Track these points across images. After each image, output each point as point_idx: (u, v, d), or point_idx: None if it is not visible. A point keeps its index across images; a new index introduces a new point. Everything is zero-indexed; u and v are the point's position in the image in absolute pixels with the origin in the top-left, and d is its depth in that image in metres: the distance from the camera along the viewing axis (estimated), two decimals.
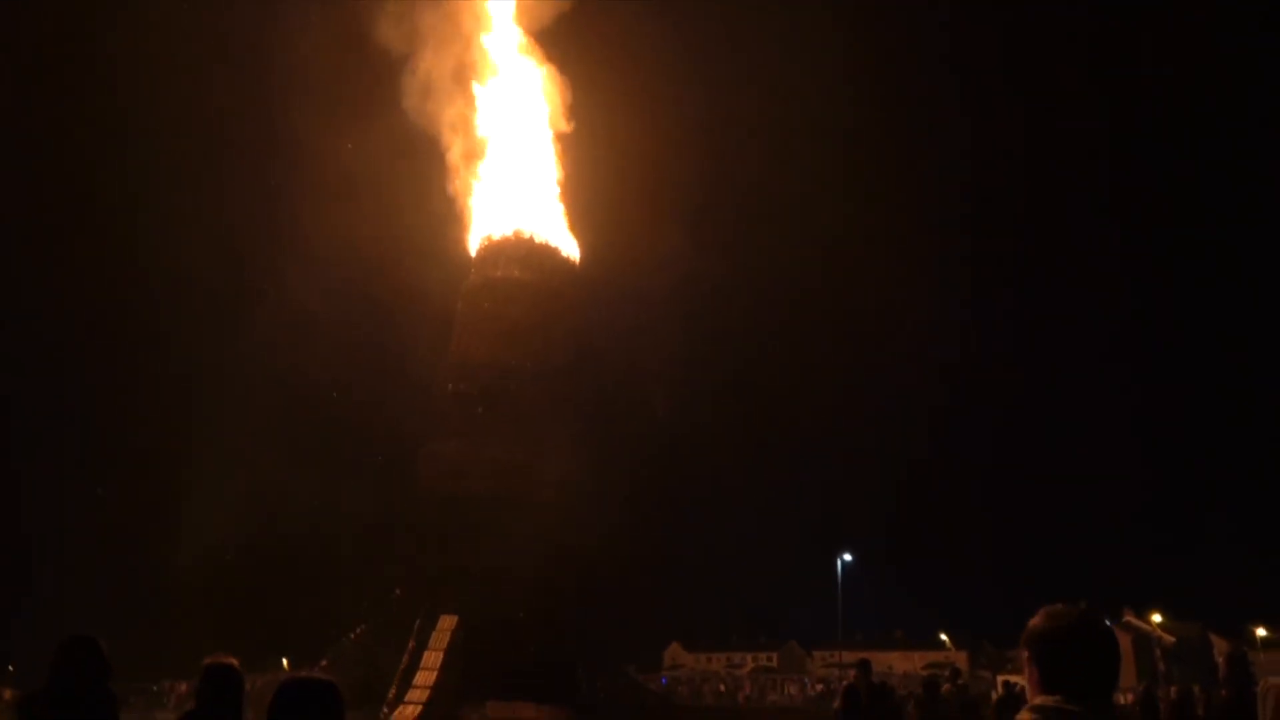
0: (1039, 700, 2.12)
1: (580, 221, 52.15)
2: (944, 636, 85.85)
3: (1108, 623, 2.17)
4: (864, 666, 10.12)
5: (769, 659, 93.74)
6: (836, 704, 9.69)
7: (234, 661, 4.27)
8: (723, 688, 67.08)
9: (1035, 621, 2.20)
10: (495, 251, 48.57)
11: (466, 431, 44.07)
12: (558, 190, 51.76)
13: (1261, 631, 62.34)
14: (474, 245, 50.10)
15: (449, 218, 51.37)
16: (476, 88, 50.96)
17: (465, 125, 50.91)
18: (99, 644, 4.36)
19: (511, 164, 50.64)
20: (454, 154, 50.82)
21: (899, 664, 74.31)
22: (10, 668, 60.32)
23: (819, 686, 63.50)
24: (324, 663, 39.87)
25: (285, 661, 59.23)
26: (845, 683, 9.59)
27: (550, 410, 44.76)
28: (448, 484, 43.13)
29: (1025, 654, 2.20)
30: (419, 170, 52.90)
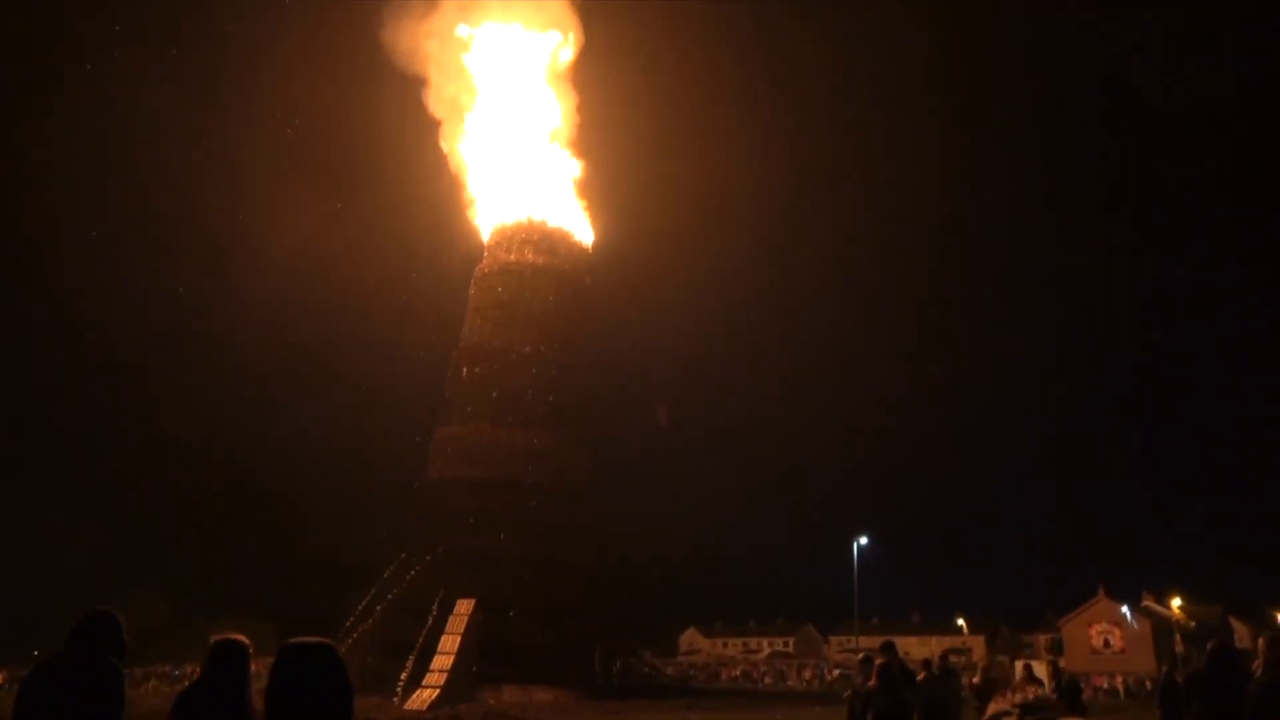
0: None
1: (596, 207, 52.17)
2: (960, 621, 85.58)
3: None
4: (889, 649, 10.19)
5: (785, 644, 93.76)
6: (871, 682, 9.78)
7: (242, 638, 4.19)
8: (739, 672, 67.14)
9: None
10: (508, 236, 48.45)
11: (480, 416, 44.07)
12: (573, 176, 51.68)
13: None
14: (486, 230, 50.05)
15: (462, 203, 51.45)
16: (495, 73, 50.81)
17: (481, 110, 50.83)
18: (116, 619, 4.30)
19: (527, 149, 50.50)
20: (468, 139, 50.76)
21: (915, 649, 74.24)
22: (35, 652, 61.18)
23: (835, 672, 63.45)
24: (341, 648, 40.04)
25: None
26: (879, 661, 9.68)
27: (565, 395, 44.72)
28: (461, 468, 43.19)
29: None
30: (432, 155, 52.90)
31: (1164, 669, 25.16)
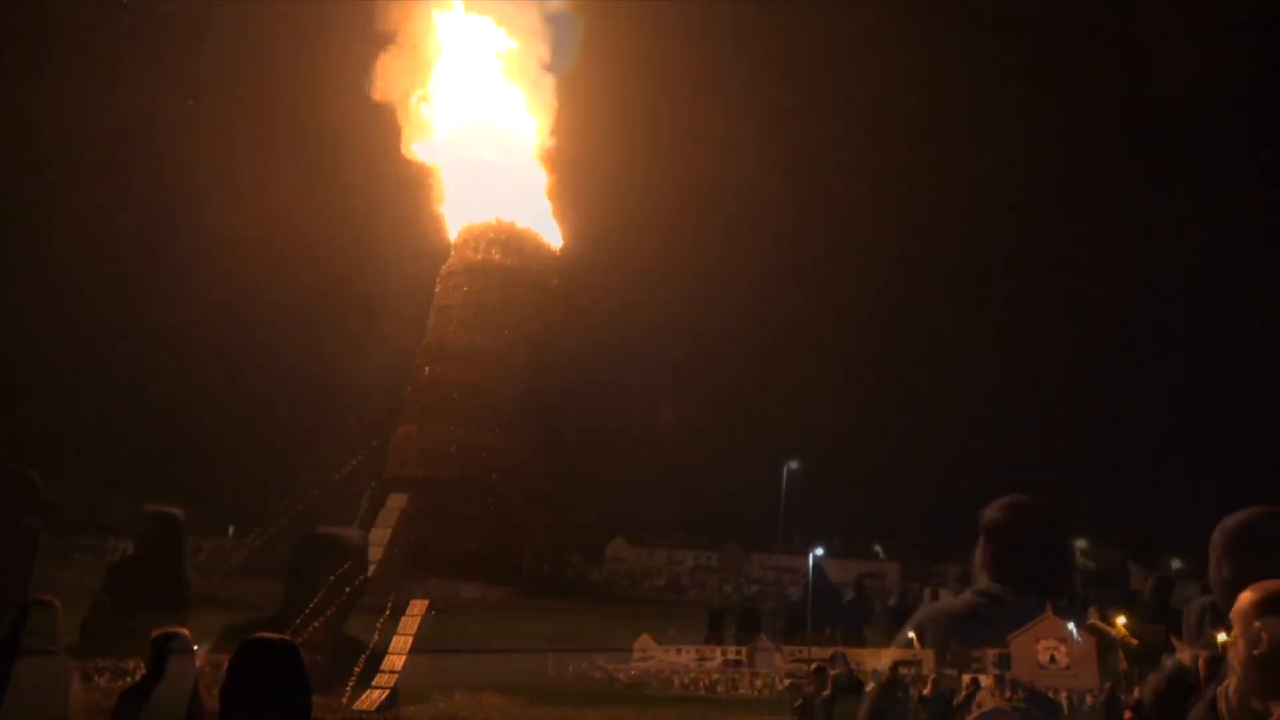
0: (984, 585, 2.09)
1: (567, 210, 51.59)
2: (878, 548, 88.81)
3: (1057, 509, 2.11)
4: (841, 660, 10.51)
5: (709, 558, 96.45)
6: (826, 692, 10.06)
7: (177, 510, 4.19)
8: (664, 582, 69.19)
9: (993, 513, 2.16)
10: (475, 236, 47.79)
11: (440, 416, 44.03)
12: (545, 179, 51.08)
13: (1177, 563, 65.32)
14: (454, 230, 49.27)
15: (430, 201, 50.42)
16: (464, 71, 49.38)
17: (454, 110, 49.53)
18: (30, 479, 4.22)
19: (500, 151, 49.55)
20: (439, 137, 49.43)
21: (834, 571, 77.06)
22: None
23: (753, 588, 65.76)
24: (270, 532, 40.16)
25: (231, 529, 59.66)
26: (834, 671, 9.96)
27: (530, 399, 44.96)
28: (421, 466, 43.23)
29: (980, 540, 2.15)
30: (397, 154, 51.37)
31: (1107, 685, 26.55)
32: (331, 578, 16.80)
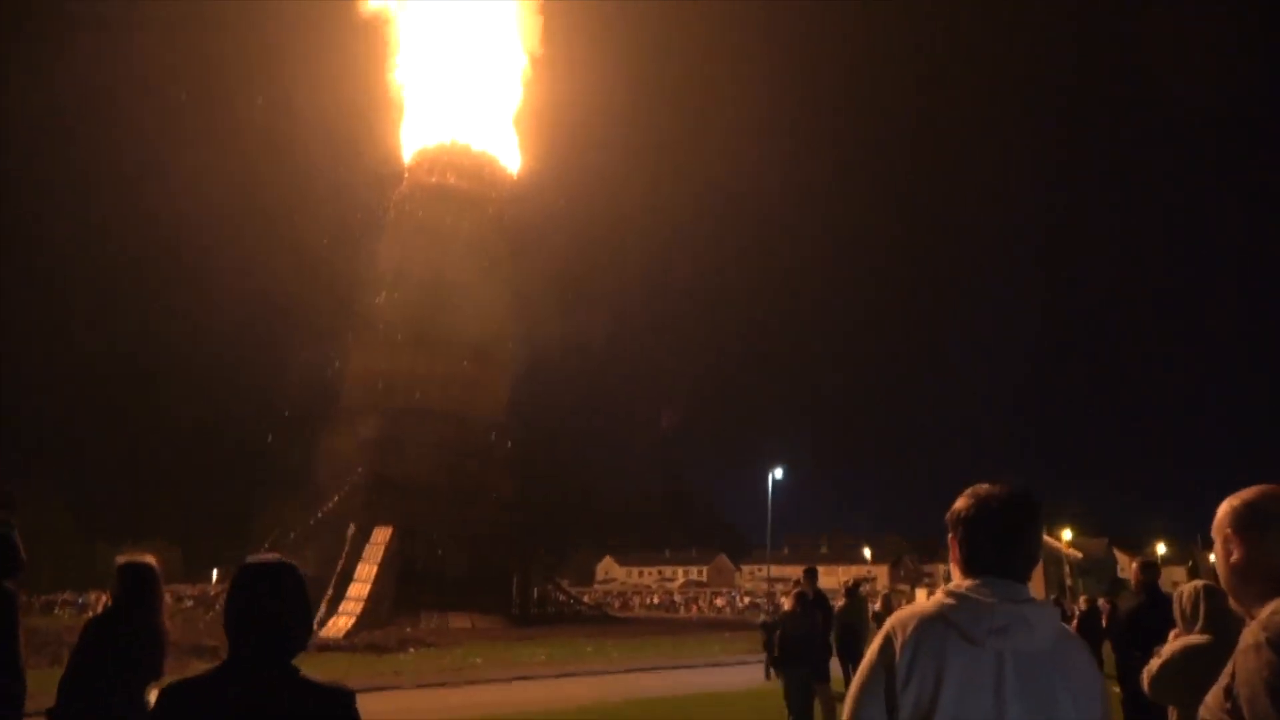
0: (956, 585, 2.05)
1: (524, 134, 50.67)
2: (866, 551, 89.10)
3: (1030, 493, 2.10)
4: (811, 575, 10.75)
5: (699, 573, 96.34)
6: (788, 606, 10.42)
7: (150, 559, 4.08)
8: (655, 600, 68.87)
9: (960, 501, 2.13)
10: (429, 158, 47.03)
11: (397, 343, 43.31)
12: (503, 102, 49.97)
13: (1162, 549, 66.00)
14: (408, 152, 48.47)
15: (382, 119, 49.52)
16: None
17: (407, 22, 48.55)
18: (7, 538, 4.08)
19: (456, 68, 48.48)
20: (392, 51, 48.52)
21: (824, 579, 77.11)
22: None
23: (746, 599, 65.58)
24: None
25: (215, 574, 58.91)
26: (796, 589, 10.20)
27: (485, 325, 44.13)
28: (378, 396, 42.57)
29: (950, 535, 2.13)
30: (351, 61, 50.54)
31: (1052, 598, 26.69)
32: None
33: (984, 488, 2.07)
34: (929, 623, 1.95)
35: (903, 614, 2.00)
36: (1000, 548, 2.02)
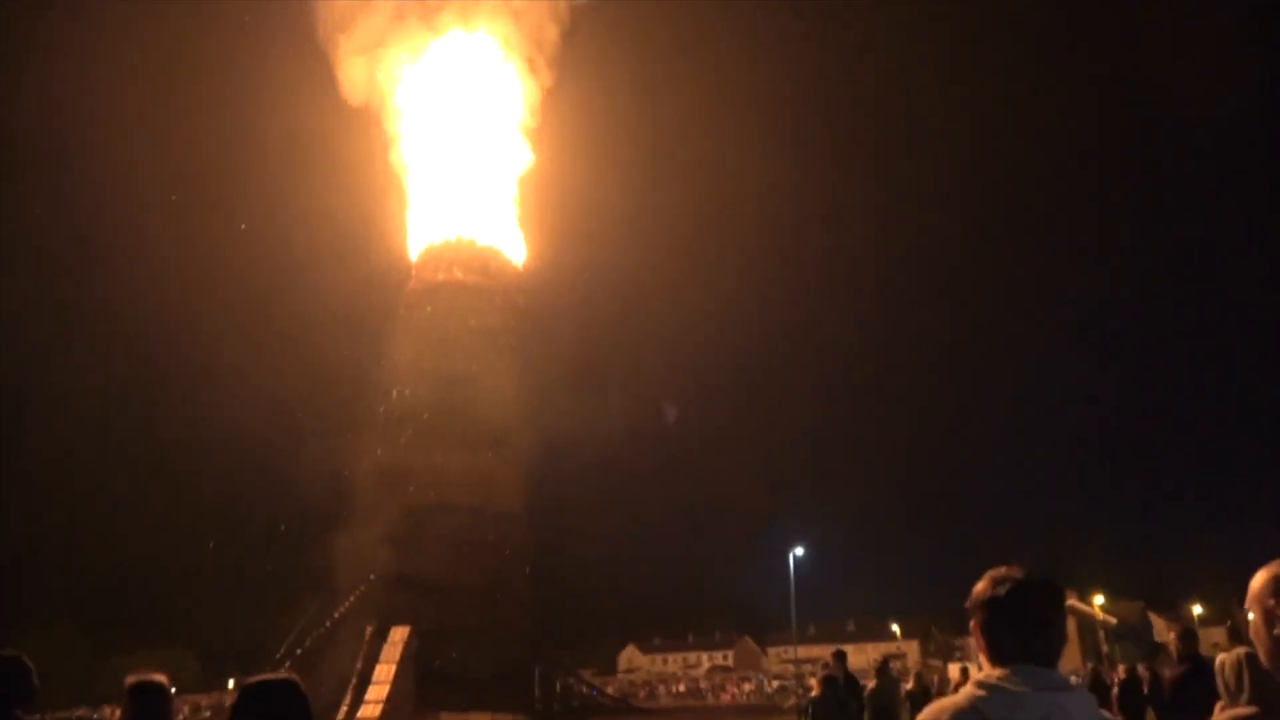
0: (986, 676, 1.98)
1: (528, 225, 51.52)
2: (895, 627, 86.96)
3: (1053, 582, 2.05)
4: (840, 657, 10.43)
5: (724, 657, 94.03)
6: (816, 691, 10.02)
7: (160, 678, 3.98)
8: (682, 688, 67.12)
9: (980, 587, 2.07)
10: (436, 255, 47.80)
11: (412, 439, 43.33)
12: (504, 193, 50.95)
13: (1198, 609, 64.30)
14: (415, 250, 49.29)
15: (389, 221, 50.48)
16: (425, 82, 49.72)
17: (408, 123, 49.76)
18: (22, 663, 3.99)
19: (458, 162, 49.57)
20: (394, 148, 49.63)
21: (853, 657, 75.17)
22: None
23: (775, 683, 63.87)
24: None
25: (230, 683, 57.80)
26: (825, 673, 9.85)
27: (500, 412, 44.21)
28: (393, 493, 42.39)
29: (972, 622, 2.07)
30: (353, 161, 51.60)
31: (1090, 666, 25.92)
32: None
33: (1002, 573, 2.02)
34: (962, 717, 1.88)
35: (934, 709, 1.93)
36: (1025, 637, 1.96)
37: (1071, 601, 70.06)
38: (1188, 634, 6.92)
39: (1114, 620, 67.58)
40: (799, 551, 45.85)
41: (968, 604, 2.07)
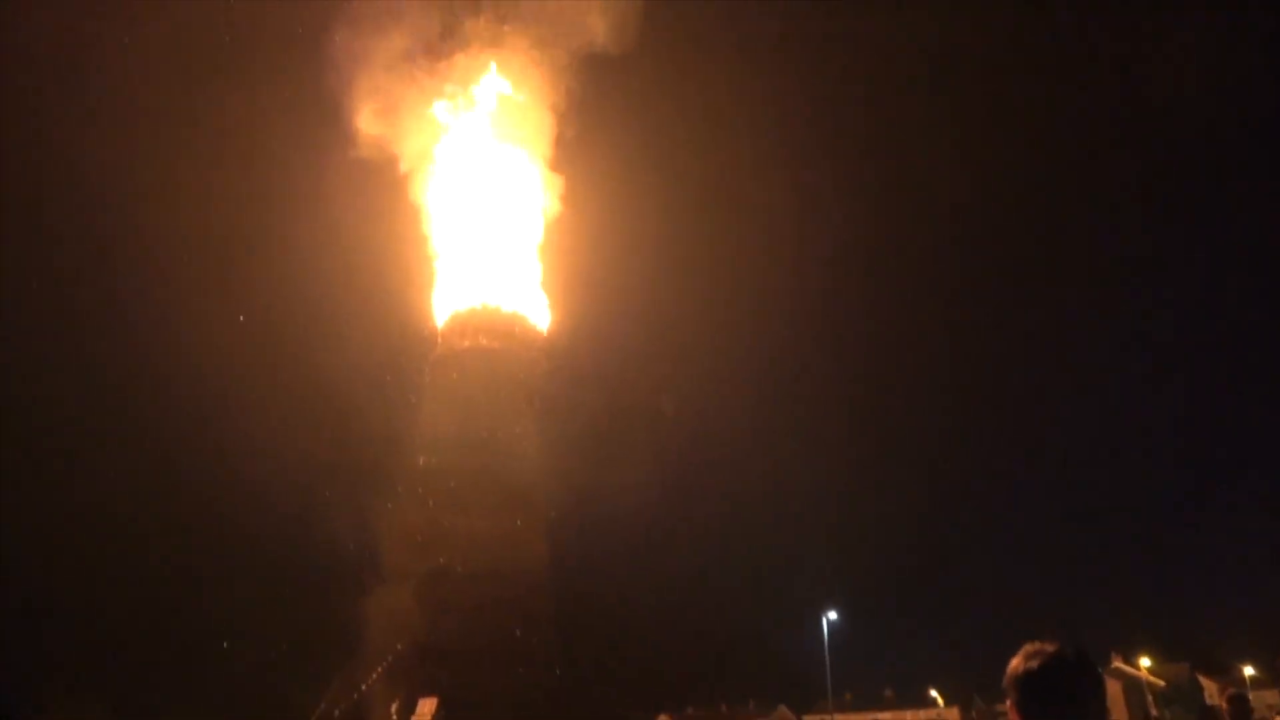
0: None
1: (551, 289, 52.02)
2: (934, 693, 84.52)
3: (1089, 658, 1.98)
4: None
5: None
6: None
7: None
8: None
9: (1014, 663, 2.00)
10: (461, 322, 48.43)
11: (437, 505, 43.32)
12: (526, 260, 51.63)
13: (1249, 670, 62.04)
14: (440, 316, 49.94)
15: (414, 291, 51.15)
16: (449, 156, 50.87)
17: (434, 193, 50.75)
18: None
19: (482, 232, 50.41)
20: (423, 220, 50.54)
21: None
22: None
23: None
24: None
25: None
26: None
27: (524, 478, 44.21)
28: (419, 557, 42.22)
29: (1007, 702, 1.99)
30: (381, 230, 52.43)
31: None
32: None
33: (1036, 648, 1.96)
34: None
35: None
36: (1059, 715, 1.88)
37: (1117, 664, 68.01)
38: (1239, 698, 6.67)
39: (1162, 683, 65.42)
40: (832, 615, 44.94)
41: (1005, 681, 2.01)
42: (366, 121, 48.51)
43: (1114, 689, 61.31)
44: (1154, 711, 55.45)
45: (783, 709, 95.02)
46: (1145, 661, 64.42)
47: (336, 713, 39.93)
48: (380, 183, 50.73)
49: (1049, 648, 1.96)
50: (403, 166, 50.07)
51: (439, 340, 49.01)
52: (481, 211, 50.29)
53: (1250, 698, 7.05)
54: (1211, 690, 59.83)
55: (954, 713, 77.80)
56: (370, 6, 50.14)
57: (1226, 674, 63.39)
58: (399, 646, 39.94)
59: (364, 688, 40.17)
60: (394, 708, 37.87)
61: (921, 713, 77.00)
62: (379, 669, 40.29)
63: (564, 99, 51.13)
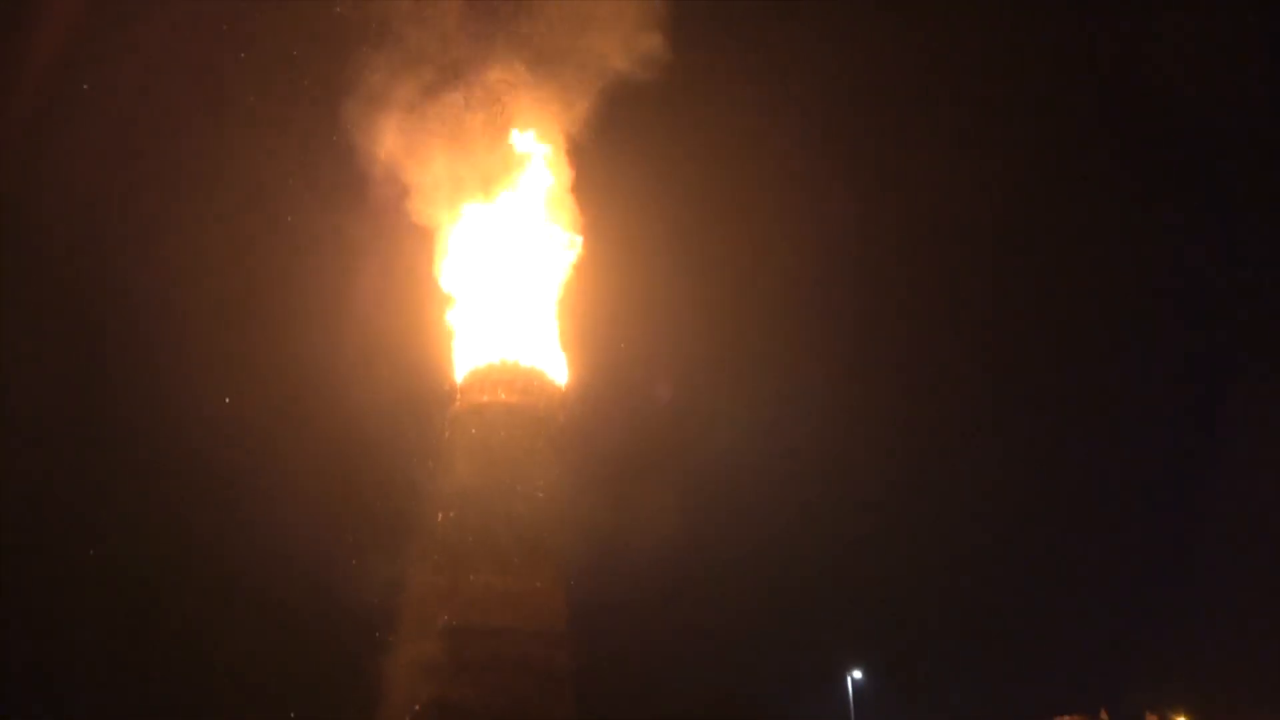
0: None
1: (569, 343, 52.24)
2: None
3: None
4: None
5: None
6: None
7: None
8: None
9: None
10: (480, 377, 48.74)
11: (456, 562, 43.23)
12: (546, 313, 52.02)
13: None
14: (460, 372, 50.25)
15: (433, 346, 51.51)
16: (467, 211, 51.55)
17: (453, 248, 51.40)
18: None
19: (499, 285, 50.77)
20: (441, 279, 51.11)
21: None
22: None
23: None
24: None
25: None
26: None
27: (542, 537, 44.12)
28: (436, 616, 42.04)
29: None
30: (402, 297, 52.83)
31: None
32: None
33: None
34: None
35: None
36: None
37: (1151, 718, 66.03)
38: None
39: None
40: (857, 675, 44.25)
41: None
42: (383, 174, 49.65)
43: None
44: None
45: None
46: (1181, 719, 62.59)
47: None
48: (398, 240, 51.51)
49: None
50: (420, 219, 51.01)
51: (458, 395, 49.30)
52: (500, 266, 51.02)
53: None
54: None
55: None
56: (387, 58, 51.08)
57: None
58: (416, 707, 39.60)
59: None
60: None
61: None
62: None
63: (584, 150, 52.11)
